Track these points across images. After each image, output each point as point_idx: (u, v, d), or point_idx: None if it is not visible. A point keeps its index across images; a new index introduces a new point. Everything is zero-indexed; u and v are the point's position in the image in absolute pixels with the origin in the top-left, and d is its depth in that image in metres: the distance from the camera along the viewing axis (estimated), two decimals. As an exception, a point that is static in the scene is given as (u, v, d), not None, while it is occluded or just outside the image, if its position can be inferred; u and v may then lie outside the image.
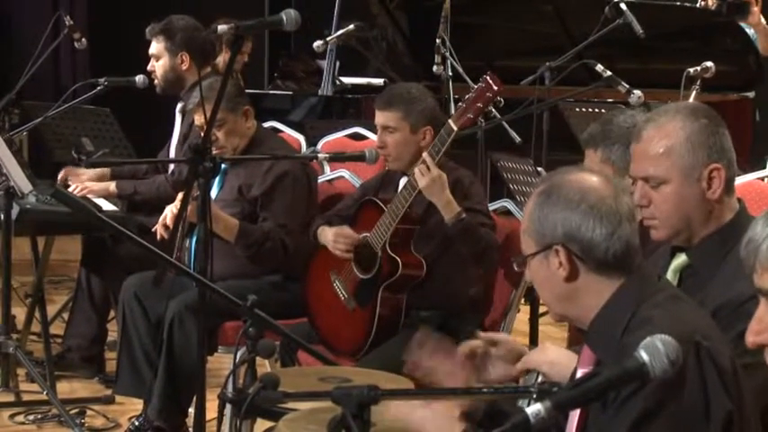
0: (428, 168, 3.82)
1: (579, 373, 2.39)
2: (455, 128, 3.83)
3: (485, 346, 2.73)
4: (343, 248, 4.09)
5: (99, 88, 5.10)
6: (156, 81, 5.31)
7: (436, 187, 3.83)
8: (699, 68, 5.23)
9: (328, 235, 4.15)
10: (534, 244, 2.36)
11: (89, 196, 5.15)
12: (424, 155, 3.87)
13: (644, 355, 1.84)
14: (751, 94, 7.27)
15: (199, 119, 4.55)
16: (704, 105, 2.84)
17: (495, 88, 3.81)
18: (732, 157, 2.69)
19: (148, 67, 5.30)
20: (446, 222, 3.87)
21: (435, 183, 3.83)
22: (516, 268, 2.46)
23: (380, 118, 4.13)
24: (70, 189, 5.21)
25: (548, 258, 2.34)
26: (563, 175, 2.39)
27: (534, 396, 1.90)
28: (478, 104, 3.83)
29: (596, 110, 5.41)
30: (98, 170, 5.35)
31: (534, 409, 1.81)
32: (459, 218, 3.85)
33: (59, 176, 5.37)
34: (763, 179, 4.56)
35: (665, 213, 2.66)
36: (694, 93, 5.20)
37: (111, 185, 5.26)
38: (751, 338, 1.73)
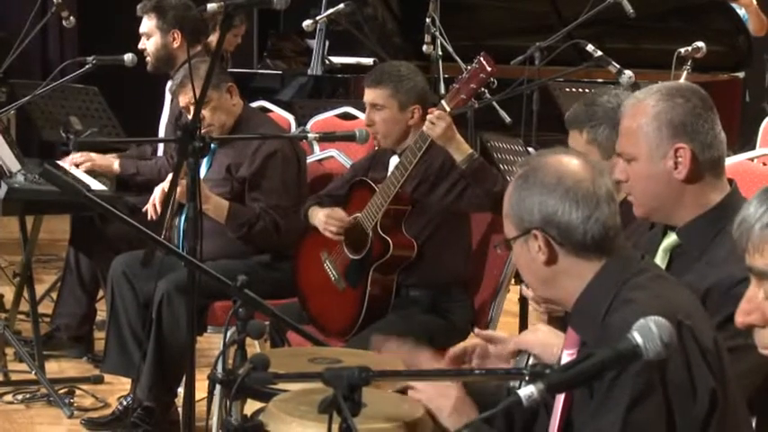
0: (438, 118, 3.80)
1: (564, 355, 2.40)
2: (448, 108, 3.82)
3: (482, 344, 2.72)
4: (334, 230, 4.08)
5: (87, 67, 5.06)
6: (147, 59, 5.28)
7: (450, 132, 3.82)
8: (690, 48, 5.23)
9: (319, 216, 4.14)
10: (514, 228, 2.37)
11: (78, 175, 5.12)
12: (442, 103, 3.85)
13: (637, 337, 1.84)
14: (741, 75, 7.28)
15: (184, 99, 4.53)
16: (691, 86, 2.82)
17: (489, 69, 3.80)
18: (709, 140, 2.65)
19: (139, 46, 5.26)
20: (459, 165, 3.85)
21: (450, 127, 3.81)
22: (499, 252, 2.46)
23: (369, 95, 4.11)
24: (74, 158, 5.20)
25: (527, 242, 2.34)
26: (541, 159, 2.39)
27: (526, 378, 1.89)
28: (472, 85, 3.82)
29: (586, 90, 5.41)
30: (106, 156, 5.33)
31: (527, 390, 1.81)
32: (473, 158, 3.85)
33: (69, 161, 5.33)
34: (752, 159, 4.56)
35: (636, 190, 2.67)
36: (685, 73, 5.20)
37: (115, 163, 5.25)
38: (740, 318, 1.73)
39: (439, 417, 2.30)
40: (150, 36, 5.25)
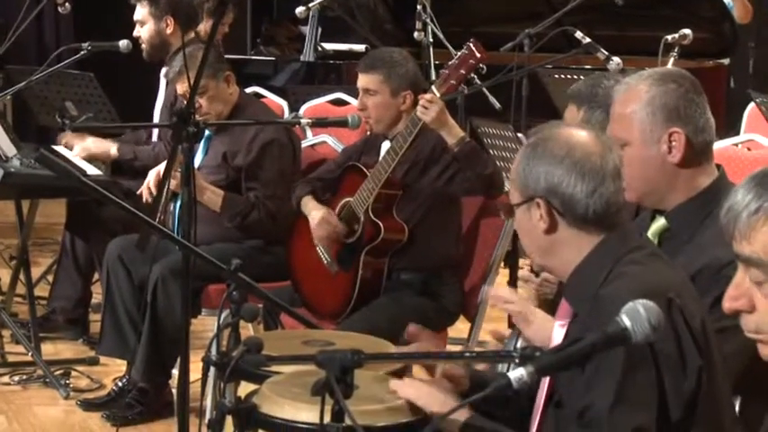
0: (430, 102, 3.78)
1: (556, 326, 2.39)
2: (438, 94, 3.81)
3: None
4: (323, 234, 4.06)
5: (83, 53, 5.04)
6: (142, 47, 5.25)
7: (444, 116, 3.81)
8: (676, 35, 5.23)
9: (313, 213, 4.11)
10: (519, 195, 2.36)
11: (74, 160, 5.10)
12: (432, 89, 3.84)
13: (626, 320, 1.83)
14: (726, 61, 7.28)
15: (181, 87, 4.51)
16: (681, 71, 2.82)
17: (479, 55, 3.79)
18: (701, 124, 2.66)
19: (134, 33, 5.24)
20: (452, 148, 3.84)
21: (443, 111, 3.80)
22: (502, 216, 2.46)
23: (362, 80, 4.10)
24: (73, 149, 5.18)
25: (530, 210, 2.34)
26: (553, 129, 2.38)
27: (516, 361, 1.88)
28: (461, 71, 3.81)
29: (575, 76, 5.37)
30: (103, 140, 5.31)
31: (517, 373, 1.80)
32: (465, 141, 3.84)
33: (62, 142, 5.32)
34: (737, 145, 4.56)
35: (629, 175, 2.64)
36: (672, 59, 5.19)
37: (113, 148, 5.22)
38: (728, 304, 1.72)
39: (428, 413, 2.29)
40: (144, 23, 5.23)
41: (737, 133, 5.34)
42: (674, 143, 2.64)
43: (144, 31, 5.23)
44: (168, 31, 5.21)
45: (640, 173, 2.66)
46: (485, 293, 3.29)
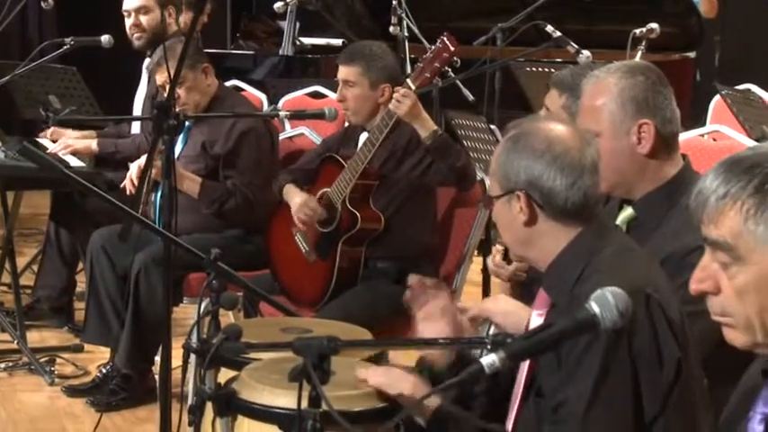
0: (403, 96, 3.78)
1: (534, 315, 2.39)
2: (413, 86, 3.80)
3: (453, 308, 2.70)
4: (304, 218, 4.05)
5: (65, 48, 5.01)
6: (137, 36, 5.20)
7: (417, 109, 3.80)
8: (644, 30, 5.23)
9: (295, 199, 4.10)
10: (499, 187, 2.35)
11: (60, 153, 5.08)
12: (407, 82, 3.83)
13: (594, 307, 1.82)
14: (692, 55, 7.30)
15: (160, 78, 4.49)
16: (648, 64, 2.82)
17: (452, 49, 3.78)
18: (669, 115, 2.67)
19: (131, 21, 5.17)
20: (424, 141, 3.84)
21: (416, 105, 3.79)
22: (483, 207, 2.44)
23: (342, 72, 4.08)
24: (54, 145, 5.14)
25: (510, 202, 2.33)
26: (533, 123, 2.37)
27: (488, 347, 1.87)
28: (436, 64, 3.80)
29: (546, 69, 5.39)
30: (84, 132, 5.27)
31: (489, 359, 1.79)
32: (437, 134, 3.83)
33: (48, 135, 5.28)
34: (703, 135, 4.57)
35: (600, 165, 2.65)
36: (640, 53, 5.19)
37: (93, 143, 5.20)
38: (694, 286, 1.72)
39: (399, 400, 2.28)
40: (149, 11, 5.18)
41: (703, 124, 5.34)
42: (643, 134, 2.64)
43: (148, 19, 5.17)
44: (170, 20, 5.17)
45: (611, 163, 2.65)
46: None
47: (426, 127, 3.83)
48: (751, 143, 4.11)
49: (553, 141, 2.29)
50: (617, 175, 2.67)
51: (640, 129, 2.64)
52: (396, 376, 2.34)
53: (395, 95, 3.82)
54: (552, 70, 5.16)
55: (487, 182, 2.90)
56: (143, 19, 5.18)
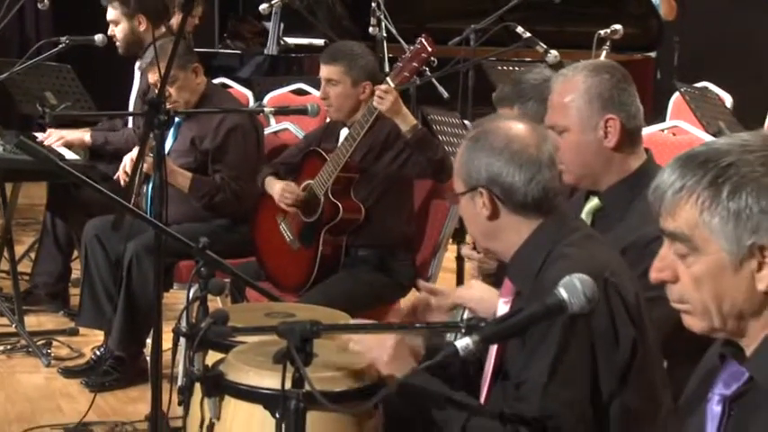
0: (385, 92, 3.77)
1: (500, 303, 2.39)
2: (393, 84, 3.80)
3: (426, 297, 2.71)
4: (289, 202, 4.05)
5: (61, 46, 4.98)
6: (117, 44, 5.18)
7: (398, 105, 3.80)
8: (608, 31, 5.23)
9: (276, 187, 4.10)
10: (463, 184, 2.36)
11: (55, 145, 5.05)
12: (387, 80, 3.82)
13: (563, 293, 1.83)
14: (653, 55, 7.32)
15: (153, 77, 4.47)
16: (613, 63, 2.83)
17: (430, 49, 3.79)
18: (633, 111, 2.67)
19: (108, 32, 5.16)
20: (405, 134, 3.83)
21: (397, 101, 3.79)
22: (448, 204, 2.44)
23: (324, 71, 4.07)
24: (48, 136, 5.11)
25: (473, 198, 2.33)
26: (492, 123, 2.37)
27: (463, 331, 1.87)
28: (414, 64, 3.81)
29: (516, 68, 5.38)
30: (79, 129, 5.24)
31: (463, 342, 1.80)
32: (417, 128, 3.83)
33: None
34: (663, 130, 4.58)
35: (567, 159, 2.65)
36: (604, 52, 5.20)
37: (86, 136, 5.17)
38: (654, 275, 1.72)
39: (378, 366, 2.27)
40: (118, 23, 5.16)
41: (664, 120, 5.36)
42: (609, 129, 2.64)
43: (118, 31, 5.15)
44: (141, 28, 5.13)
45: (578, 157, 2.66)
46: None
47: (407, 122, 3.83)
48: (708, 138, 4.12)
49: (511, 139, 2.30)
50: (584, 167, 2.67)
51: (607, 124, 2.64)
52: (375, 342, 2.32)
53: (377, 92, 3.81)
54: (522, 69, 5.16)
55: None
56: (116, 30, 5.16)
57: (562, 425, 2.13)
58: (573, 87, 2.65)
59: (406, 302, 2.75)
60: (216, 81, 5.40)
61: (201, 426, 2.35)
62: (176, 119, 4.39)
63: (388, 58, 6.01)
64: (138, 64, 5.20)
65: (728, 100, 5.83)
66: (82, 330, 4.86)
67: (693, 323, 1.70)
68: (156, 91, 3.80)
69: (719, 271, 1.64)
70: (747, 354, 1.67)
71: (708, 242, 1.64)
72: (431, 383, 2.24)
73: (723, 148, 1.65)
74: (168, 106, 3.35)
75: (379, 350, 2.27)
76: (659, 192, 1.68)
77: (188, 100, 4.49)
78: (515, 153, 2.28)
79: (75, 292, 5.14)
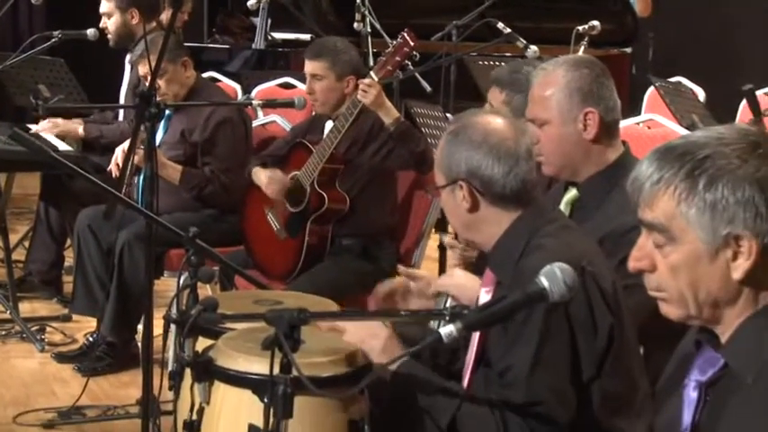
0: (369, 86, 3.76)
1: (482, 292, 2.38)
2: (376, 78, 3.78)
3: (405, 281, 2.69)
4: (276, 189, 4.03)
5: (54, 40, 4.95)
6: (108, 36, 5.15)
7: (381, 98, 3.79)
8: (586, 27, 5.23)
9: (262, 177, 4.08)
10: (443, 177, 2.35)
11: (47, 137, 5.01)
12: (371, 74, 3.81)
13: (544, 281, 1.82)
14: (629, 50, 7.33)
15: (143, 69, 4.44)
16: (592, 58, 2.82)
17: (412, 44, 3.78)
18: (611, 104, 2.67)
19: (101, 24, 5.13)
20: (388, 127, 3.82)
21: (380, 94, 3.78)
22: (429, 197, 2.43)
23: (309, 67, 4.05)
24: (42, 123, 5.07)
25: (454, 191, 2.32)
26: (471, 117, 2.36)
27: (447, 318, 1.86)
28: (397, 58, 3.80)
29: (497, 63, 5.36)
30: (72, 120, 5.20)
31: (447, 329, 1.78)
32: (400, 121, 3.82)
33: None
34: (638, 124, 4.58)
35: (547, 151, 2.65)
36: (582, 48, 5.20)
37: (80, 128, 5.13)
38: (632, 264, 1.72)
39: (370, 356, 2.27)
40: (111, 16, 5.13)
41: (639, 114, 5.36)
42: (588, 121, 2.64)
43: (111, 23, 5.12)
44: (133, 21, 5.10)
45: (558, 149, 2.65)
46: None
47: (390, 115, 3.82)
48: (682, 131, 4.12)
49: (490, 133, 2.29)
50: (564, 158, 2.66)
51: (586, 116, 2.63)
52: (368, 333, 2.31)
53: (361, 86, 3.80)
54: (503, 64, 5.15)
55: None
56: (108, 22, 5.12)
57: (548, 410, 2.13)
58: (553, 81, 2.65)
59: (382, 286, 2.71)
60: (205, 75, 5.37)
61: (192, 410, 2.33)
62: (167, 112, 4.36)
63: (373, 52, 5.98)
64: (128, 57, 5.17)
65: (701, 94, 5.83)
66: (75, 317, 4.83)
67: (670, 311, 1.70)
68: (147, 84, 3.78)
69: (696, 260, 1.63)
70: (722, 341, 1.67)
71: (685, 232, 1.63)
72: (418, 370, 2.23)
73: (700, 141, 1.64)
74: (158, 98, 3.32)
75: (372, 341, 2.26)
76: (638, 183, 1.67)
77: (177, 93, 4.46)
78: (494, 146, 2.27)
79: (68, 279, 5.10)
